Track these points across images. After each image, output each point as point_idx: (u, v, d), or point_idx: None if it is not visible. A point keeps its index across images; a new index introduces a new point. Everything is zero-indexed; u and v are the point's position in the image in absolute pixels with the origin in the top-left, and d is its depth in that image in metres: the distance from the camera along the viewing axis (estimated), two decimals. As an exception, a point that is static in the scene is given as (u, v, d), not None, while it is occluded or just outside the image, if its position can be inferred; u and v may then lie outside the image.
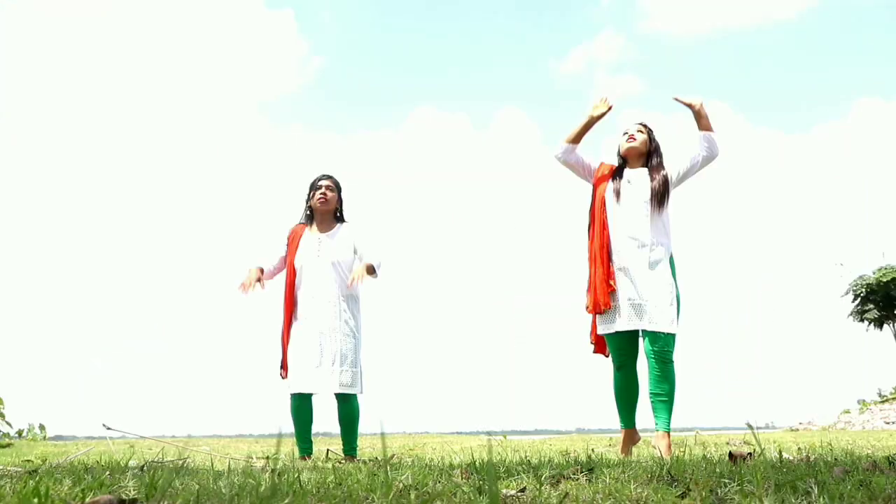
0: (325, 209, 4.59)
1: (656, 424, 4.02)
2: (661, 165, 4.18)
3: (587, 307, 4.18)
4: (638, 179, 4.13)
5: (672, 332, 3.93)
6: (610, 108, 4.22)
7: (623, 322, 3.98)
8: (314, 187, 4.62)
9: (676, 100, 4.17)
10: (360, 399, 4.42)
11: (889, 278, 36.47)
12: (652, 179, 4.11)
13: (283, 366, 4.47)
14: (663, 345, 3.92)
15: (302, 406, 4.39)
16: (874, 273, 37.72)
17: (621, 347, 4.05)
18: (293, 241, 4.60)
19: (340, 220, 4.64)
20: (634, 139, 4.19)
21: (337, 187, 4.66)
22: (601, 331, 4.08)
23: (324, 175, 4.69)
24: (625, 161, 4.22)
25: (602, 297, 4.03)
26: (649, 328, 3.92)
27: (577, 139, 4.23)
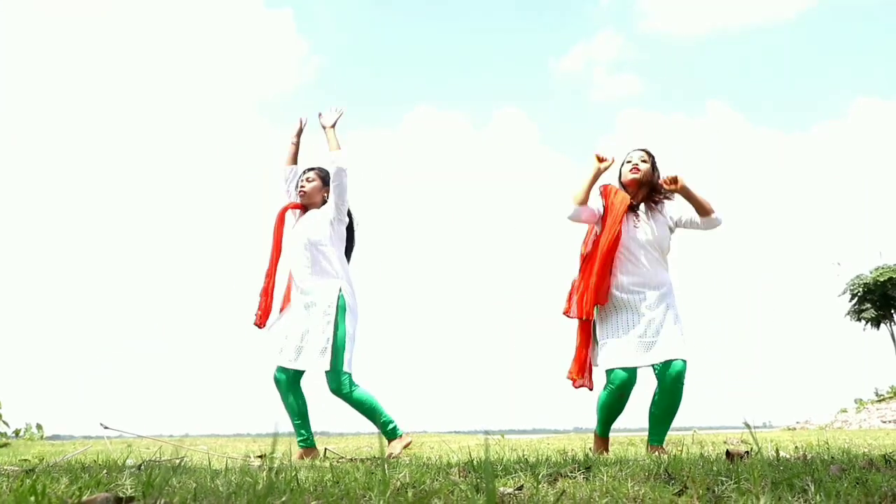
0: (306, 202, 4.60)
1: (652, 438, 4.02)
2: (662, 206, 4.21)
3: (567, 311, 4.19)
4: (644, 219, 4.17)
5: (686, 357, 3.95)
6: (613, 161, 4.18)
7: (633, 357, 3.96)
8: (298, 179, 4.65)
9: (662, 188, 4.14)
10: (353, 379, 4.28)
11: (886, 278, 36.53)
12: (655, 226, 4.14)
13: (261, 312, 4.50)
14: (680, 370, 3.92)
15: (283, 387, 4.36)
16: (871, 272, 37.78)
17: (632, 380, 3.99)
18: (280, 218, 4.63)
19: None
20: (638, 170, 4.19)
21: (322, 177, 4.61)
22: (610, 364, 3.99)
23: (309, 167, 4.68)
24: (626, 189, 4.23)
25: (587, 305, 4.04)
26: (664, 358, 3.92)
27: (586, 198, 4.17)
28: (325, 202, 4.59)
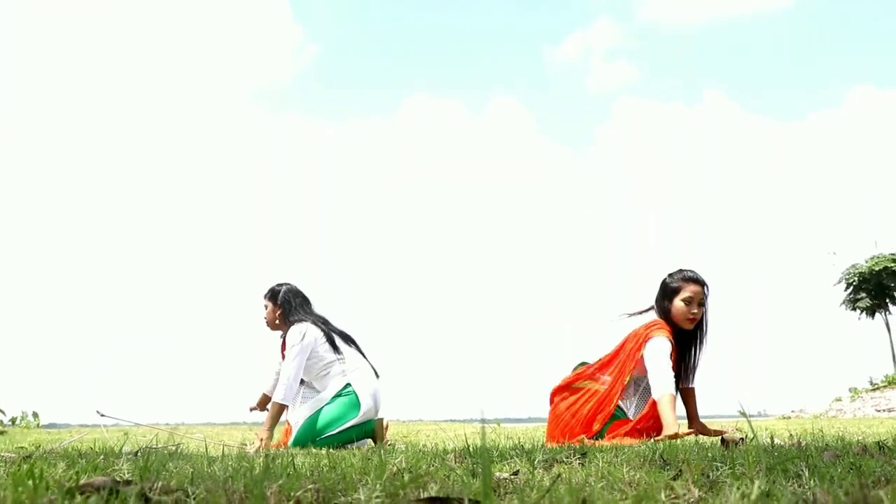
0: (273, 330, 4.71)
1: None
2: (698, 355, 4.09)
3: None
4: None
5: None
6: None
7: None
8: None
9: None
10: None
11: (881, 267, 36.68)
12: (686, 381, 4.09)
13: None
14: None
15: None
16: (866, 262, 37.94)
17: None
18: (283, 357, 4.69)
19: (294, 320, 4.58)
20: (696, 320, 3.97)
21: (272, 298, 4.65)
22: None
23: (263, 294, 4.72)
24: (673, 324, 3.99)
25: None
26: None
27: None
28: (286, 320, 4.61)
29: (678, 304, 3.94)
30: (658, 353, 3.88)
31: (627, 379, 3.96)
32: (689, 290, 3.93)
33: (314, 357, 4.43)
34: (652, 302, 4.15)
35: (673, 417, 3.73)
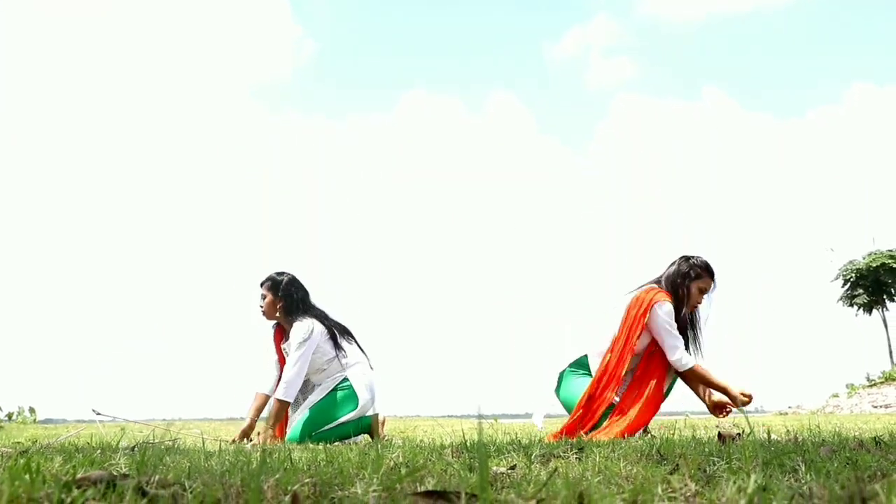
0: (269, 320, 4.64)
1: None
2: (697, 338, 4.19)
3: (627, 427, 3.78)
4: None
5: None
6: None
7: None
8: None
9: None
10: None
11: (879, 263, 36.72)
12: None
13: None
14: None
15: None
16: (864, 258, 37.96)
17: None
18: (277, 349, 4.65)
19: (296, 314, 4.51)
20: (696, 307, 4.14)
21: (273, 289, 4.55)
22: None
23: (260, 283, 4.63)
24: (681, 304, 4.09)
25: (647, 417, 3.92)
26: None
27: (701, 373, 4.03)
28: (287, 310, 4.53)
29: (695, 290, 4.10)
30: (672, 320, 3.97)
31: (636, 343, 3.94)
32: (706, 282, 4.11)
33: (317, 352, 4.40)
34: (652, 278, 4.22)
35: (723, 377, 4.01)
